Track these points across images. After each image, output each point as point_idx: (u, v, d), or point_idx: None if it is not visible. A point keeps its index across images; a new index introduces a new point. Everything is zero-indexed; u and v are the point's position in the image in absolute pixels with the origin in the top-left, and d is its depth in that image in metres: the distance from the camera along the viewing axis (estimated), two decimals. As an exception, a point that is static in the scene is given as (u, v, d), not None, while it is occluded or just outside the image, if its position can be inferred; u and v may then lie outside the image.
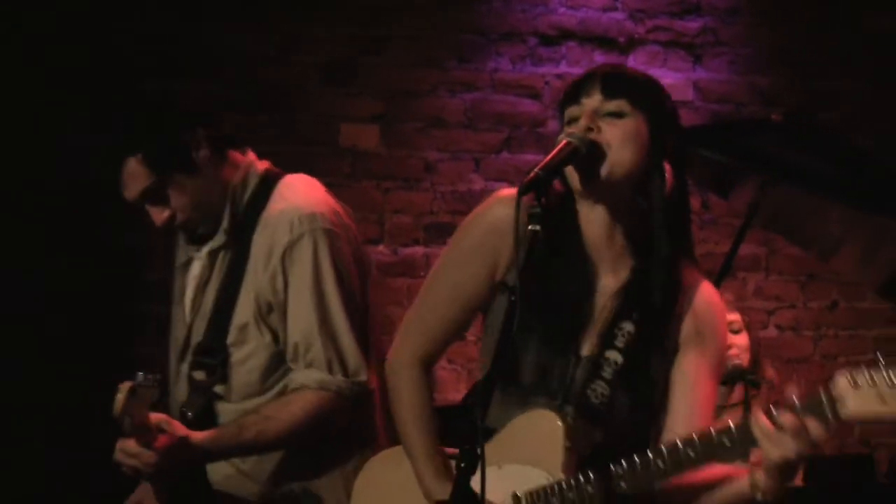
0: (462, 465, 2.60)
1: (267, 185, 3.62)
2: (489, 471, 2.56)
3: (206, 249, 3.61)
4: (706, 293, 2.93)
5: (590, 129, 2.85)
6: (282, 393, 3.53)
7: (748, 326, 5.67)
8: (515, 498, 2.85)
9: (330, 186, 6.54)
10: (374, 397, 3.56)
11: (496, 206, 3.04)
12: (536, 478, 2.84)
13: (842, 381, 2.45)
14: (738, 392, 5.59)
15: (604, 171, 2.84)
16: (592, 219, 2.92)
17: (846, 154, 4.44)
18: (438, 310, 3.12)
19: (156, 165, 3.46)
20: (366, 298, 3.58)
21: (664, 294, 2.87)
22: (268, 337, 3.52)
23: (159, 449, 3.32)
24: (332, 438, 3.55)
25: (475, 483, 2.58)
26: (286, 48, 6.48)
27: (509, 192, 2.98)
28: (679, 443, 2.66)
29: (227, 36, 6.39)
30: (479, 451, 2.57)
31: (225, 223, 3.56)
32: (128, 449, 3.35)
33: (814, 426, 2.52)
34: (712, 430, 2.64)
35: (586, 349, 2.91)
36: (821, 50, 7.03)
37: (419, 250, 6.61)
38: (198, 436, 3.41)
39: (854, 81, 7.02)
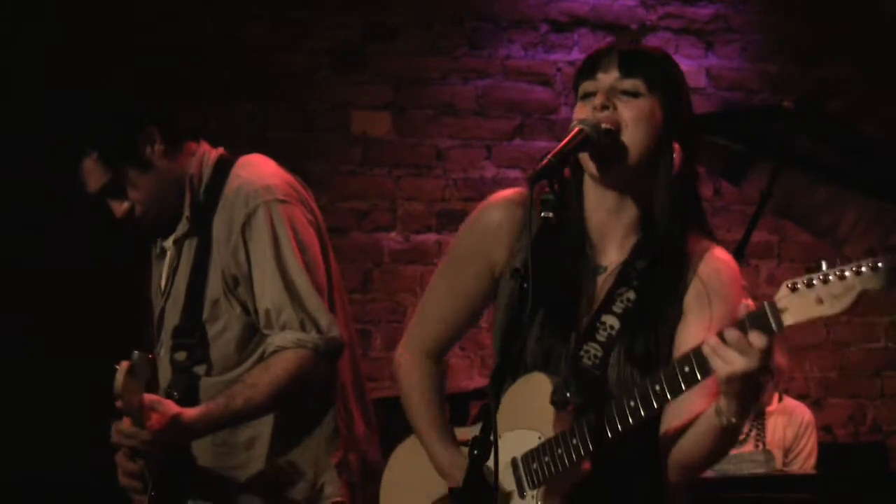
0: (475, 452, 2.63)
1: (222, 168, 3.73)
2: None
3: (171, 238, 3.74)
4: (715, 258, 2.90)
5: (605, 108, 2.85)
6: (260, 359, 3.60)
7: None
8: (514, 462, 2.88)
9: (342, 174, 6.64)
10: (346, 352, 3.69)
11: (490, 209, 3.07)
12: (530, 440, 2.86)
13: (783, 290, 2.48)
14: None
15: (617, 154, 2.85)
16: (601, 201, 2.93)
17: (856, 141, 4.44)
18: (440, 308, 3.17)
19: (109, 163, 3.62)
20: (328, 260, 3.67)
21: (663, 261, 2.88)
22: (238, 309, 3.63)
23: (154, 428, 3.45)
24: (310, 396, 3.64)
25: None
26: (298, 36, 6.49)
27: (503, 194, 3.05)
28: (646, 380, 2.69)
29: (239, 24, 6.40)
30: (492, 438, 2.59)
31: (186, 211, 3.69)
32: (124, 430, 3.48)
33: (757, 338, 2.52)
34: (673, 360, 2.66)
35: (581, 319, 2.92)
36: (831, 37, 7.02)
37: (431, 237, 6.62)
38: (189, 412, 3.52)
39: (864, 69, 7.02)
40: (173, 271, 3.74)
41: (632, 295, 2.89)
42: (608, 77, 2.88)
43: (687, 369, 2.62)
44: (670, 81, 2.93)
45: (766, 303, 2.51)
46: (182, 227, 3.70)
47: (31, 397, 5.71)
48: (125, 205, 3.66)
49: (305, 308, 3.55)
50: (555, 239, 2.85)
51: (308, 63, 6.51)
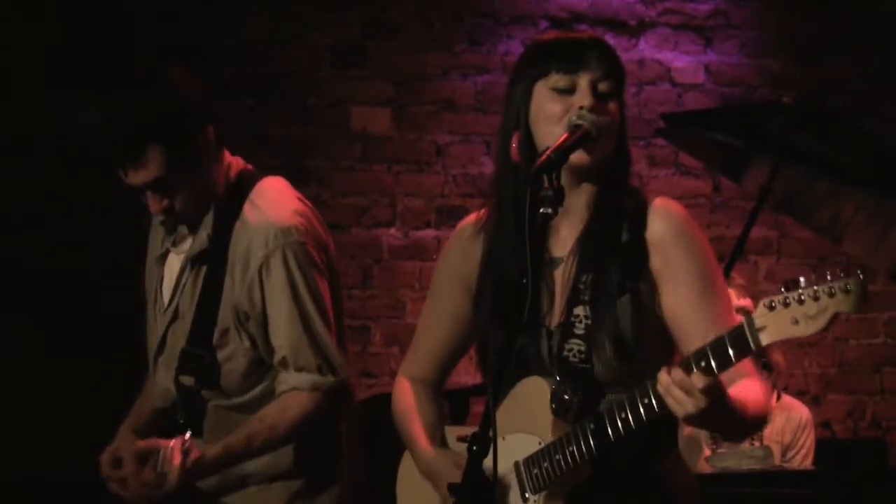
0: (474, 448, 2.65)
1: (242, 187, 3.63)
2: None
3: (186, 254, 3.64)
4: (658, 214, 2.90)
5: (592, 111, 2.86)
6: (264, 394, 3.62)
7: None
8: (516, 466, 2.89)
9: (341, 170, 6.64)
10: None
11: (460, 231, 3.15)
12: (531, 444, 2.89)
13: (761, 308, 2.50)
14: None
15: (602, 151, 2.87)
16: (575, 197, 2.94)
17: (856, 137, 4.44)
18: (430, 334, 3.26)
19: (170, 158, 3.43)
20: (337, 298, 3.65)
21: (608, 237, 2.89)
22: (246, 342, 3.60)
23: (179, 474, 3.44)
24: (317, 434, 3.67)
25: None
26: (298, 32, 6.49)
27: (469, 217, 3.13)
28: (635, 392, 2.70)
29: (239, 21, 6.40)
30: (490, 435, 2.61)
31: (209, 228, 3.59)
32: (147, 481, 3.47)
33: (699, 379, 2.53)
34: (648, 383, 2.66)
35: (555, 319, 2.93)
36: (831, 33, 7.02)
37: (430, 233, 6.62)
38: (210, 453, 3.52)
39: (864, 65, 7.01)
40: (181, 287, 3.66)
41: (593, 277, 2.89)
42: (586, 76, 2.88)
43: (647, 401, 2.67)
44: (625, 80, 2.97)
45: (744, 321, 2.53)
46: (200, 243, 3.60)
47: (31, 397, 5.71)
48: (165, 202, 3.51)
49: (323, 352, 3.55)
50: (506, 238, 2.90)
51: (308, 59, 6.51)
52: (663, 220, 2.89)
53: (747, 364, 2.74)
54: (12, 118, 5.79)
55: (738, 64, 7.02)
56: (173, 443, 3.46)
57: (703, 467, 5.31)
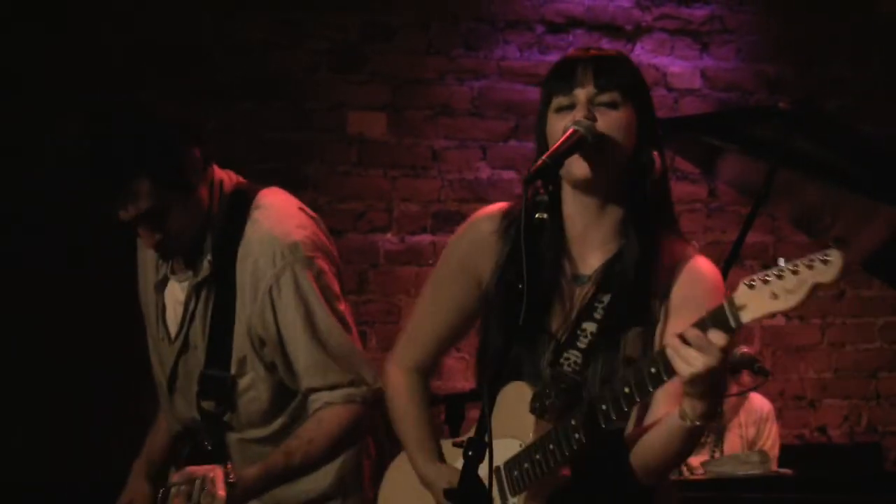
0: (469, 454, 2.66)
1: (240, 207, 3.51)
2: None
3: (189, 282, 3.52)
4: (697, 266, 2.90)
5: (587, 119, 2.86)
6: (288, 424, 3.53)
7: None
8: (497, 471, 2.89)
9: (338, 174, 6.65)
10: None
11: (478, 222, 3.09)
12: (512, 447, 2.89)
13: (741, 288, 2.51)
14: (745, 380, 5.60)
15: (604, 160, 2.86)
16: (581, 210, 2.93)
17: (853, 141, 4.44)
18: (427, 322, 3.21)
19: (162, 188, 3.32)
20: (347, 305, 3.59)
21: (639, 267, 2.89)
22: (262, 370, 3.49)
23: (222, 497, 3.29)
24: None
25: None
26: (295, 36, 6.49)
27: (489, 209, 3.08)
28: (616, 383, 2.71)
29: (237, 24, 6.40)
30: (486, 440, 2.61)
31: (209, 255, 3.47)
32: None
33: (716, 336, 2.53)
34: (640, 361, 2.68)
35: (559, 327, 2.93)
36: (828, 37, 7.03)
37: (427, 238, 6.62)
38: (248, 474, 3.37)
39: (861, 69, 7.02)
40: (190, 315, 3.53)
41: (608, 300, 2.90)
42: (584, 92, 2.88)
43: (653, 370, 2.64)
44: (642, 89, 2.96)
45: (724, 300, 2.54)
46: (203, 271, 3.48)
47: (31, 397, 5.70)
48: (158, 235, 3.38)
49: (352, 366, 3.47)
50: (533, 247, 2.88)
51: (305, 63, 6.51)
52: (692, 286, 2.88)
53: None
54: (12, 119, 5.79)
55: (734, 69, 7.03)
56: (212, 473, 3.29)
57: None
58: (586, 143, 2.82)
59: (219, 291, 3.49)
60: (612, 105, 2.88)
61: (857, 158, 4.25)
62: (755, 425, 5.84)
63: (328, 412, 3.45)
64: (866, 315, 7.09)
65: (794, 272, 2.44)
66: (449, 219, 6.54)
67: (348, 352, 3.49)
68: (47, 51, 5.91)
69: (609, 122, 2.87)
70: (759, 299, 2.49)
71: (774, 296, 2.46)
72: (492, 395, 2.76)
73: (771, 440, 5.89)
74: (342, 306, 3.52)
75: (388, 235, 6.60)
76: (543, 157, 2.73)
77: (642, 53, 6.89)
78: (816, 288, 2.43)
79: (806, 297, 2.44)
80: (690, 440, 2.73)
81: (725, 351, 2.54)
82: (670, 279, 2.89)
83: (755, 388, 5.72)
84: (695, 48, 6.98)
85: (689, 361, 2.55)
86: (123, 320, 3.96)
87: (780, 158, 4.29)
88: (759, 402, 5.97)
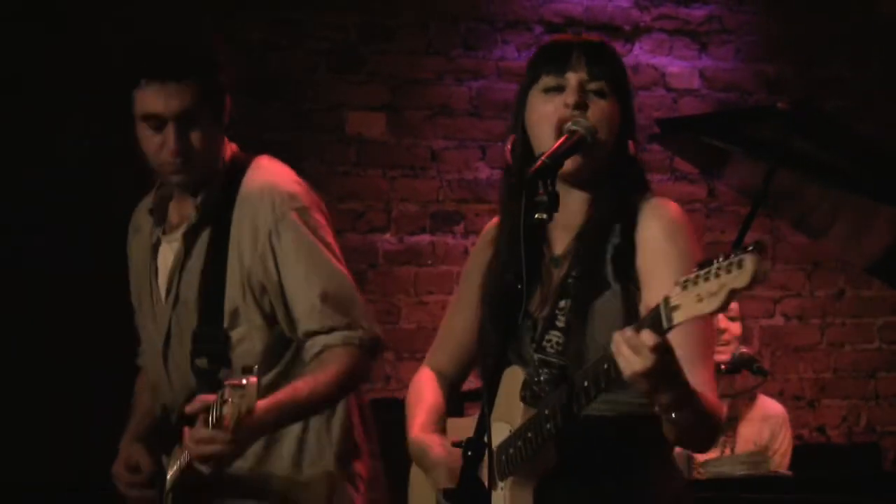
0: (468, 453, 2.67)
1: (237, 165, 3.63)
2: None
3: (181, 231, 3.59)
4: (648, 213, 2.91)
5: (579, 107, 2.87)
6: (286, 369, 3.55)
7: None
8: (489, 455, 2.88)
9: (336, 174, 6.64)
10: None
11: (484, 233, 3.19)
12: (502, 432, 2.90)
13: (676, 287, 2.44)
14: (742, 380, 5.59)
15: (593, 154, 2.88)
16: (576, 196, 2.95)
17: (853, 142, 4.44)
18: (451, 326, 3.29)
19: (204, 103, 3.50)
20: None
21: (600, 229, 2.90)
22: (258, 319, 3.53)
23: (231, 427, 3.16)
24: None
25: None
26: (294, 36, 6.49)
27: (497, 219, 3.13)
28: (577, 376, 2.71)
29: (236, 24, 6.40)
30: (486, 439, 2.62)
31: (199, 199, 3.55)
32: (203, 436, 3.24)
33: (648, 337, 2.48)
34: (604, 356, 2.63)
35: (544, 311, 2.93)
36: (827, 38, 7.03)
37: (425, 238, 6.62)
38: (260, 404, 3.24)
39: (861, 69, 7.02)
40: (180, 267, 3.59)
41: (580, 273, 2.90)
42: (576, 76, 2.90)
43: (605, 366, 2.62)
44: (627, 82, 2.98)
45: (662, 300, 2.47)
46: (191, 217, 3.57)
47: (31, 397, 5.70)
48: (182, 142, 3.46)
49: (349, 311, 3.51)
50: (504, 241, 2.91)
51: (304, 64, 6.51)
52: (652, 221, 2.90)
53: (696, 348, 2.76)
54: (12, 119, 5.79)
55: (733, 69, 7.03)
56: (227, 389, 3.14)
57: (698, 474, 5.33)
58: (586, 143, 2.84)
59: (213, 240, 3.55)
60: (601, 94, 2.91)
61: (856, 159, 4.25)
62: (770, 430, 5.82)
63: (328, 354, 3.48)
64: (866, 315, 7.10)
65: (716, 275, 2.35)
66: (448, 219, 6.55)
67: (348, 297, 3.53)
68: (47, 51, 5.91)
69: (598, 111, 2.89)
70: (688, 301, 2.41)
71: (700, 298, 2.39)
72: (491, 395, 2.76)
73: (785, 445, 5.87)
74: (340, 255, 3.58)
75: (387, 236, 6.60)
76: (543, 158, 2.75)
77: (641, 53, 6.89)
78: (734, 293, 2.34)
79: (725, 303, 2.35)
80: (683, 433, 2.71)
81: (657, 352, 2.48)
82: (631, 232, 2.90)
83: (755, 388, 5.72)
84: (693, 48, 6.98)
85: (629, 361, 2.51)
86: (123, 320, 3.97)
87: (779, 159, 4.29)
88: (774, 407, 5.95)
